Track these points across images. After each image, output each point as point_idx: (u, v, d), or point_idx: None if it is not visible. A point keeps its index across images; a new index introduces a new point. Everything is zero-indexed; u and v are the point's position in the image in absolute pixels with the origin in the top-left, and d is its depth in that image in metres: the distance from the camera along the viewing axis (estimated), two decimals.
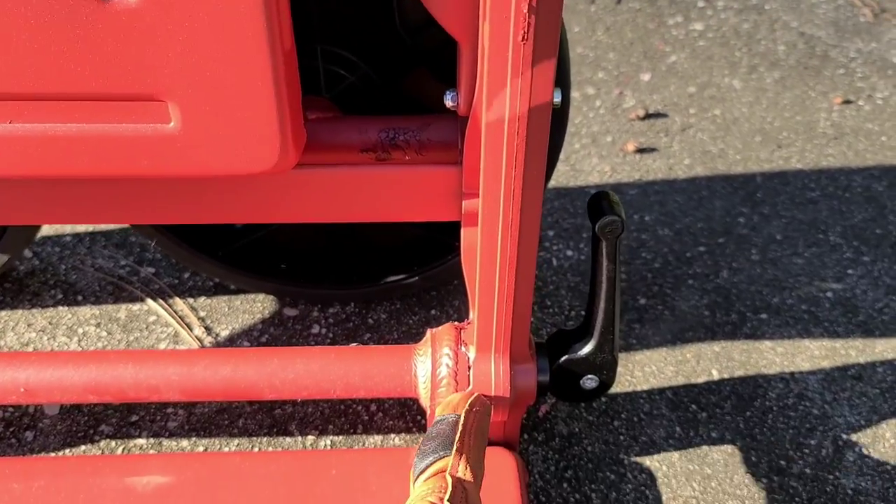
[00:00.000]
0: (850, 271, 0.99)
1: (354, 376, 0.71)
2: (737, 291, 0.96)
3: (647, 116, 1.21)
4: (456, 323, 0.72)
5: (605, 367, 0.70)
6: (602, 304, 0.66)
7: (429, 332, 0.72)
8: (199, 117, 0.54)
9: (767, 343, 0.90)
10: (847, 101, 1.25)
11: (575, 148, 1.16)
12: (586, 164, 1.14)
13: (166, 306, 0.92)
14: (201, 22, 0.49)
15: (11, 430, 0.81)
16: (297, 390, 0.71)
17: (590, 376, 0.71)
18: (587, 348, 0.69)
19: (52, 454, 0.79)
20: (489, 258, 0.63)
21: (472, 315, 0.71)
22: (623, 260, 0.99)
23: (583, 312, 0.93)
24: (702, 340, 0.91)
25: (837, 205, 1.08)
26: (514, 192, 0.58)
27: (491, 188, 0.59)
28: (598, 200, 0.64)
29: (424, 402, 0.70)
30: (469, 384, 0.69)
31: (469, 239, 0.67)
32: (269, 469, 0.72)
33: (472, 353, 0.69)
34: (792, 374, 0.87)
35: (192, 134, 0.55)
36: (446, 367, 0.69)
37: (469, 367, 0.69)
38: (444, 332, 0.71)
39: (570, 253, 1.01)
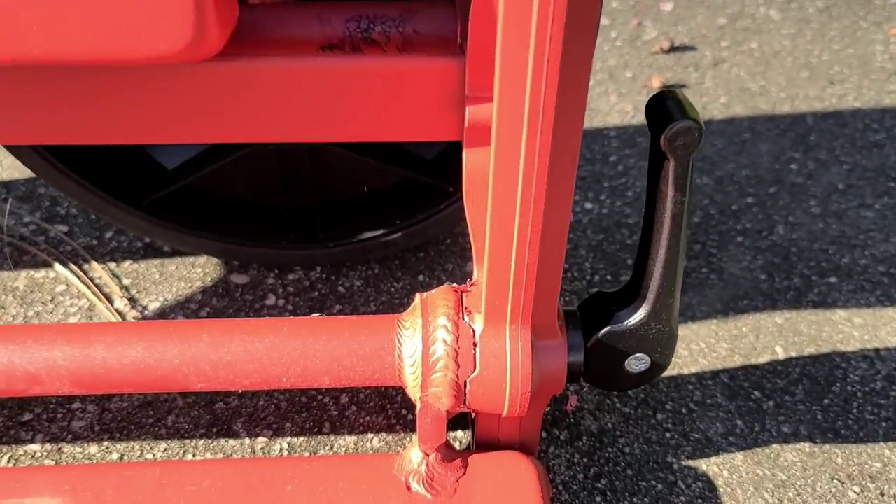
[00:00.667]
0: None
1: (315, 359, 0.51)
2: (797, 250, 0.78)
3: (673, 49, 1.02)
4: (455, 285, 0.53)
5: (661, 342, 0.51)
6: (662, 254, 0.47)
7: (418, 297, 0.52)
8: None
9: (841, 313, 0.72)
10: None
11: (590, 85, 0.97)
12: (603, 102, 0.94)
13: (80, 272, 0.72)
14: None
15: None
16: (235, 378, 0.51)
17: (638, 355, 0.52)
18: (637, 316, 0.50)
19: None
20: (506, 190, 0.44)
21: (479, 274, 0.52)
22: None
23: (608, 278, 0.74)
24: (760, 310, 0.72)
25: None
26: (546, 85, 0.39)
27: (511, 82, 0.39)
28: (663, 102, 0.44)
29: (413, 391, 0.51)
30: (475, 367, 0.49)
31: (475, 164, 0.47)
32: (202, 484, 0.53)
33: (478, 325, 0.50)
34: (876, 350, 0.69)
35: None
36: (443, 345, 0.49)
37: (475, 344, 0.49)
38: (439, 296, 0.51)
39: (588, 206, 0.81)
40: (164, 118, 0.46)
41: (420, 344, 0.50)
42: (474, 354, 0.49)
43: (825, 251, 0.78)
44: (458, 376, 0.50)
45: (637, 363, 0.52)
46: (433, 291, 0.52)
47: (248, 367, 0.51)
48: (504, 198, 0.45)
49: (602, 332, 0.51)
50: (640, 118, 0.92)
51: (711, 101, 0.95)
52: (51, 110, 0.45)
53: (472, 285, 0.52)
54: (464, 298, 0.51)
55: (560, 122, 0.41)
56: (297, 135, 0.48)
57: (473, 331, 0.50)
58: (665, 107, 0.44)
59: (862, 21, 1.08)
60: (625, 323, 0.50)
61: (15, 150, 0.63)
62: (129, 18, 0.38)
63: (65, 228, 0.77)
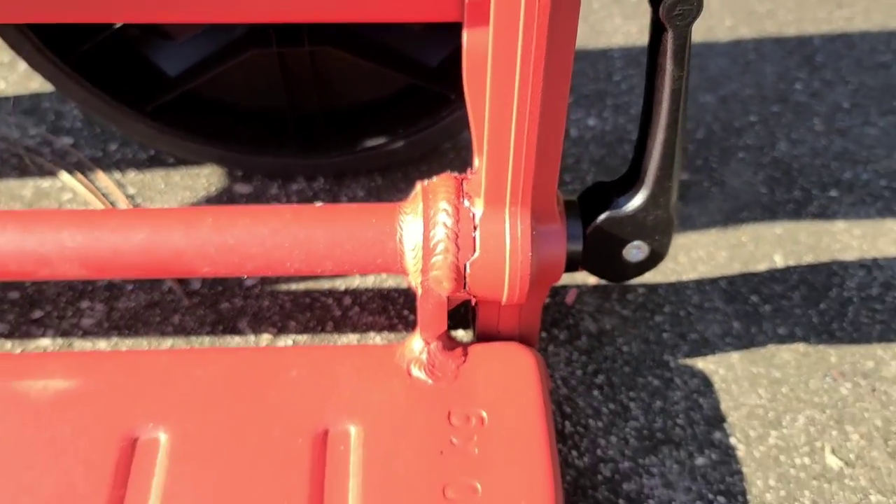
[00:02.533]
0: None
1: (318, 243, 0.52)
2: (798, 166, 0.78)
3: None
4: (456, 174, 0.53)
5: (659, 228, 0.52)
6: (661, 134, 0.48)
7: (419, 184, 0.53)
8: None
9: (841, 224, 0.72)
10: None
11: (594, 8, 0.96)
12: (608, 24, 0.94)
13: (86, 181, 0.73)
14: None
15: None
16: (240, 262, 0.52)
17: (637, 243, 0.53)
18: (636, 201, 0.51)
19: None
20: (504, 68, 0.44)
21: (479, 161, 0.52)
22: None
23: None
24: (759, 221, 0.72)
25: None
26: None
27: None
28: None
29: (414, 276, 0.52)
30: (475, 250, 0.50)
31: (475, 45, 0.47)
32: (209, 369, 0.54)
33: (478, 209, 0.50)
34: (874, 259, 0.70)
35: None
36: (443, 228, 0.50)
37: (475, 227, 0.50)
38: (439, 183, 0.52)
39: (591, 122, 0.82)
40: None
41: (421, 228, 0.51)
42: (474, 238, 0.50)
43: (827, 166, 0.78)
44: (458, 259, 0.50)
45: (636, 251, 0.53)
46: (434, 179, 0.53)
47: (252, 250, 0.52)
48: (503, 76, 0.45)
49: (601, 217, 0.51)
50: (644, 39, 0.91)
51: (717, 23, 0.95)
52: None
53: (472, 173, 0.53)
54: (464, 185, 0.52)
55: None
56: (297, 13, 0.48)
57: (473, 214, 0.50)
58: None
59: None
60: (623, 208, 0.51)
61: (25, 55, 0.63)
62: None
63: (70, 140, 0.77)
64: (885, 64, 0.89)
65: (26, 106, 0.80)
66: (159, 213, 0.53)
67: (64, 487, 0.47)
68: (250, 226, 0.52)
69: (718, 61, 0.89)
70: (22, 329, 0.62)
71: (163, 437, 0.50)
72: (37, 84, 0.83)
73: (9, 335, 0.62)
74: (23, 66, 0.84)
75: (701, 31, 0.93)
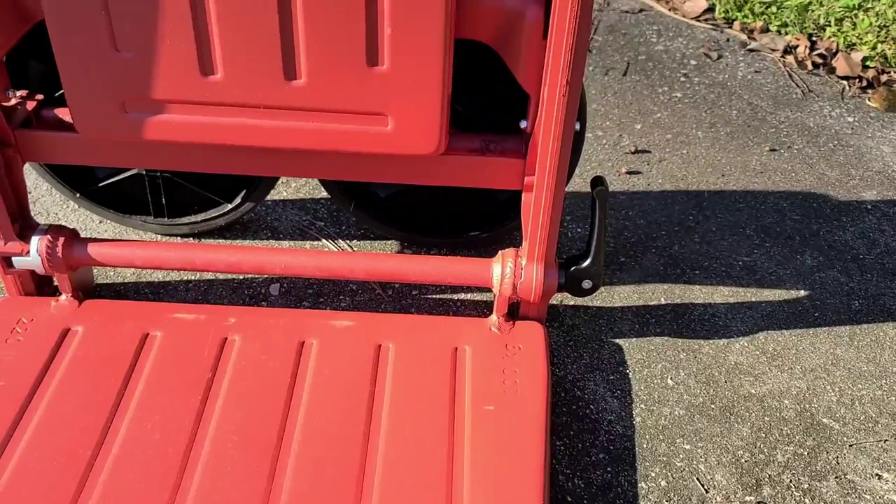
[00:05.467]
0: (755, 251, 1.58)
1: (458, 270, 1.30)
2: (681, 257, 1.55)
3: (637, 151, 1.82)
4: (514, 248, 1.32)
5: (596, 275, 1.29)
6: (595, 237, 1.26)
7: (500, 251, 1.31)
8: (403, 123, 1.14)
9: (697, 287, 1.49)
10: (773, 149, 1.85)
11: (587, 169, 1.76)
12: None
13: (332, 244, 1.52)
14: (413, 79, 1.10)
15: (253, 300, 1.41)
16: (420, 276, 1.30)
17: (587, 280, 1.30)
18: (586, 263, 1.28)
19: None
20: (536, 210, 1.23)
21: (525, 243, 1.30)
22: (613, 230, 1.58)
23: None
24: (656, 282, 1.49)
25: (755, 213, 1.67)
26: (549, 175, 1.18)
27: (541, 171, 1.18)
28: (596, 180, 1.23)
29: (496, 288, 1.29)
30: (521, 278, 1.28)
31: (526, 199, 1.26)
32: (386, 323, 1.31)
33: (524, 262, 1.28)
34: (709, 304, 1.46)
35: (397, 131, 1.16)
36: (509, 268, 1.28)
37: (521, 270, 1.28)
38: (509, 251, 1.30)
39: (579, 230, 1.60)
40: (406, 173, 1.26)
41: (501, 268, 1.28)
42: (521, 273, 1.27)
43: (696, 259, 1.55)
44: (514, 281, 1.28)
45: (587, 283, 1.30)
46: (506, 250, 1.30)
47: (425, 269, 1.29)
48: (536, 213, 1.23)
49: (572, 269, 1.29)
50: (612, 188, 1.71)
51: (653, 181, 1.74)
52: (366, 168, 1.25)
53: (521, 248, 1.31)
54: (518, 252, 1.29)
55: (557, 186, 1.20)
56: (465, 183, 1.28)
57: (522, 264, 1.28)
58: (597, 181, 1.23)
59: (750, 141, 1.87)
60: (581, 265, 1.28)
61: (338, 203, 1.44)
62: (422, 137, 1.18)
63: (322, 223, 1.57)
64: (738, 209, 1.67)
65: (300, 204, 1.61)
66: (371, 255, 1.31)
67: None
68: (423, 261, 1.30)
69: (650, 202, 1.68)
70: (315, 303, 1.40)
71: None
72: (308, 190, 1.64)
73: (309, 306, 1.39)
74: (307, 188, 1.65)
75: (643, 186, 1.72)
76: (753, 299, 1.48)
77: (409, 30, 1.05)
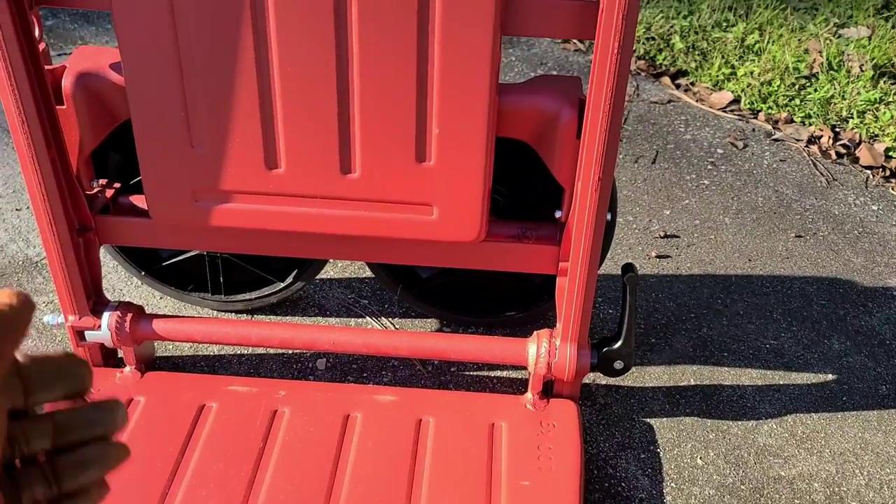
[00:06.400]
0: (783, 335, 1.63)
1: (495, 349, 1.37)
2: (710, 339, 1.61)
3: (666, 236, 1.90)
4: (549, 329, 1.39)
5: (627, 356, 1.35)
6: (626, 320, 1.33)
7: (535, 332, 1.39)
8: (447, 213, 1.24)
9: (725, 368, 1.54)
10: (798, 236, 1.92)
11: (617, 252, 1.84)
12: (624, 261, 1.82)
13: (375, 321, 1.61)
14: (457, 173, 1.20)
15: (301, 373, 1.49)
16: (459, 354, 1.37)
17: (619, 361, 1.36)
18: (617, 345, 1.35)
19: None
20: (570, 294, 1.30)
21: (559, 324, 1.37)
22: (643, 312, 1.65)
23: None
24: (685, 363, 1.55)
25: (781, 297, 1.73)
26: (582, 262, 1.27)
27: (574, 258, 1.27)
28: (627, 267, 1.32)
29: (531, 366, 1.36)
30: (555, 357, 1.34)
31: (560, 283, 1.34)
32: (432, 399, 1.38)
33: (558, 343, 1.35)
34: (737, 385, 1.50)
35: (442, 220, 1.26)
36: (544, 348, 1.35)
37: (556, 350, 1.35)
38: (544, 332, 1.38)
39: (610, 311, 1.67)
40: (450, 257, 1.35)
41: (536, 348, 1.35)
42: (556, 353, 1.34)
43: (724, 341, 1.60)
44: (549, 360, 1.34)
45: (618, 364, 1.36)
46: (541, 330, 1.38)
47: (466, 347, 1.37)
48: (570, 298, 1.31)
49: (604, 349, 1.35)
50: (642, 271, 1.78)
51: (682, 265, 1.81)
52: (412, 253, 1.35)
53: (555, 329, 1.38)
54: (552, 332, 1.37)
55: (590, 273, 1.28)
56: (504, 267, 1.37)
57: (556, 345, 1.35)
58: (628, 268, 1.30)
59: (776, 227, 1.94)
60: (613, 346, 1.35)
61: (384, 285, 1.54)
62: (465, 226, 1.27)
63: (366, 301, 1.66)
64: (765, 293, 1.73)
65: (345, 283, 1.71)
66: (414, 334, 1.39)
67: None
68: (461, 339, 1.38)
69: (679, 285, 1.75)
70: (360, 377, 1.48)
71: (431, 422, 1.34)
72: (353, 270, 1.74)
73: (356, 381, 1.47)
74: (349, 272, 1.76)
75: (673, 269, 1.79)
76: (781, 382, 1.52)
77: (455, 130, 1.16)
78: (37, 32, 1.14)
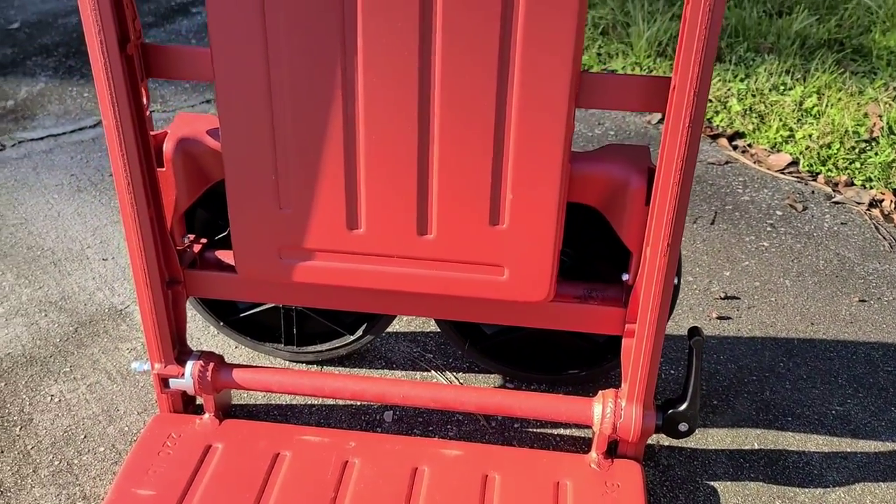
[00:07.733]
0: (849, 401, 1.62)
1: (561, 407, 1.40)
2: (773, 403, 1.61)
3: (726, 297, 1.91)
4: (614, 389, 1.41)
5: (692, 418, 1.37)
6: (692, 383, 1.35)
7: (600, 391, 1.41)
8: (517, 273, 1.29)
9: (790, 433, 1.54)
10: (862, 300, 1.91)
11: (678, 313, 1.86)
12: (685, 322, 1.83)
13: (440, 375, 1.66)
14: (528, 236, 1.25)
15: (369, 425, 1.54)
16: (526, 412, 1.40)
17: (683, 423, 1.37)
18: (682, 407, 1.36)
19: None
20: (637, 355, 1.33)
21: (624, 385, 1.40)
22: (705, 373, 1.66)
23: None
24: (748, 427, 1.55)
25: (846, 363, 1.72)
26: (650, 324, 1.30)
27: (642, 321, 1.30)
28: (693, 330, 1.34)
29: (596, 427, 1.38)
30: (620, 418, 1.37)
31: (626, 344, 1.37)
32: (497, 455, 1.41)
33: (623, 404, 1.37)
34: (803, 451, 1.50)
35: (512, 280, 1.30)
36: (609, 408, 1.37)
37: (621, 410, 1.37)
38: (609, 392, 1.40)
39: (672, 372, 1.69)
40: (520, 316, 1.40)
41: (601, 408, 1.38)
42: (622, 414, 1.36)
43: (788, 405, 1.60)
44: (614, 421, 1.37)
45: (682, 426, 1.38)
46: (607, 390, 1.40)
47: (534, 405, 1.40)
48: (637, 358, 1.34)
49: (669, 411, 1.37)
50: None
51: (743, 327, 1.82)
52: (479, 310, 1.39)
53: (620, 389, 1.40)
54: (618, 392, 1.39)
55: (657, 336, 1.31)
56: (571, 327, 1.40)
57: (622, 405, 1.37)
58: (694, 331, 1.33)
59: (838, 291, 1.94)
60: (678, 408, 1.37)
61: (440, 325, 1.59)
62: (534, 287, 1.32)
63: (432, 355, 1.71)
64: (830, 357, 1.73)
65: (411, 337, 1.76)
66: (481, 390, 1.43)
67: None
68: (528, 397, 1.41)
69: (740, 347, 1.76)
70: (420, 429, 1.52)
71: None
72: (418, 324, 1.79)
73: (419, 434, 1.51)
74: (413, 328, 1.81)
75: (734, 331, 1.80)
76: (849, 449, 1.51)
77: (528, 196, 1.22)
78: (145, 101, 1.24)
